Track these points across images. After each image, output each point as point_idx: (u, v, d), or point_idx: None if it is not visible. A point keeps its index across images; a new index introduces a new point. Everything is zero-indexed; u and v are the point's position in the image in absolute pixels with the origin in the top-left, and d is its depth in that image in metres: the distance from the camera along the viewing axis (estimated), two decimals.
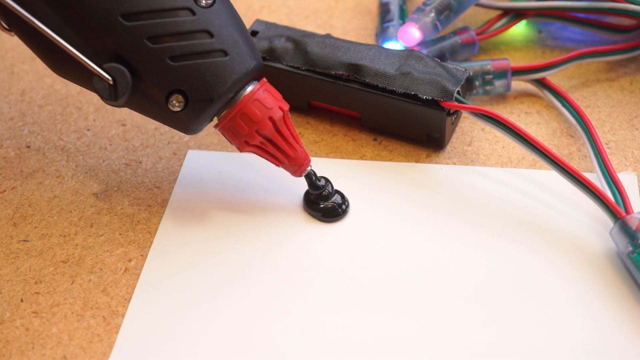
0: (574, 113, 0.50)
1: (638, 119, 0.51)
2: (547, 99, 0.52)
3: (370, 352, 0.40)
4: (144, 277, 0.44)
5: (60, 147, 0.51)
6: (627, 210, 0.43)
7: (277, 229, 0.46)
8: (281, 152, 0.44)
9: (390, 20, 0.55)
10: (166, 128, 0.51)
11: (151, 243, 0.45)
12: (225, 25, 0.42)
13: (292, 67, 0.50)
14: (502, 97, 0.53)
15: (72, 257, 0.45)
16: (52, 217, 0.47)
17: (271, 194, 0.47)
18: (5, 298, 0.43)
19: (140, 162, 0.50)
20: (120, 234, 0.46)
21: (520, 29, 0.57)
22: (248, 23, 0.54)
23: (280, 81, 0.48)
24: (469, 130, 0.51)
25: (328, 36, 0.51)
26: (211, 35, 0.42)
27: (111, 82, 0.41)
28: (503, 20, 0.55)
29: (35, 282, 0.44)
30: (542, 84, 0.52)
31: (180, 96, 0.42)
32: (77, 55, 0.41)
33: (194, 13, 0.41)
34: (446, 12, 0.53)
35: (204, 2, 0.42)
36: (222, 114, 0.43)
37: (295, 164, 0.45)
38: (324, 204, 0.46)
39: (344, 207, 0.46)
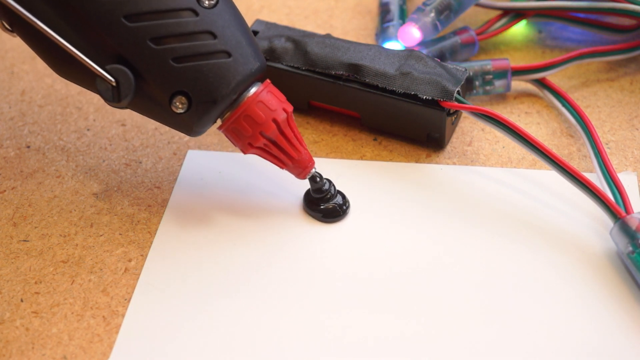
0: (574, 113, 0.50)
1: (638, 119, 0.51)
2: (547, 99, 0.52)
3: (370, 352, 0.40)
4: (144, 277, 0.44)
5: (60, 147, 0.51)
6: (627, 210, 0.43)
7: (277, 229, 0.46)
8: (285, 154, 0.44)
9: (390, 20, 0.55)
10: (166, 128, 0.51)
11: (151, 243, 0.45)
12: (229, 26, 0.42)
13: (292, 67, 0.50)
14: (502, 97, 0.53)
15: (72, 257, 0.45)
16: (52, 217, 0.47)
17: (271, 194, 0.47)
18: (5, 298, 0.43)
19: (140, 162, 0.50)
20: (120, 234, 0.46)
21: (520, 29, 0.57)
22: (248, 23, 0.54)
23: (280, 81, 0.48)
24: (469, 130, 0.51)
25: (328, 36, 0.51)
26: (214, 36, 0.41)
27: (114, 84, 0.41)
28: (503, 20, 0.55)
29: (35, 282, 0.44)
30: (542, 84, 0.52)
31: (183, 98, 0.41)
32: (79, 57, 0.41)
33: (197, 14, 0.41)
34: (446, 12, 0.53)
35: (206, 2, 0.42)
36: (225, 116, 0.43)
37: (299, 166, 0.44)
38: (324, 205, 0.46)
39: (344, 207, 0.46)
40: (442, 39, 0.54)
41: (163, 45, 0.41)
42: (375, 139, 0.50)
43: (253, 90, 0.43)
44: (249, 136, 0.43)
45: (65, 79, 0.43)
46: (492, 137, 0.50)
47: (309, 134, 0.51)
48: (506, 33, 0.56)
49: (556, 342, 0.40)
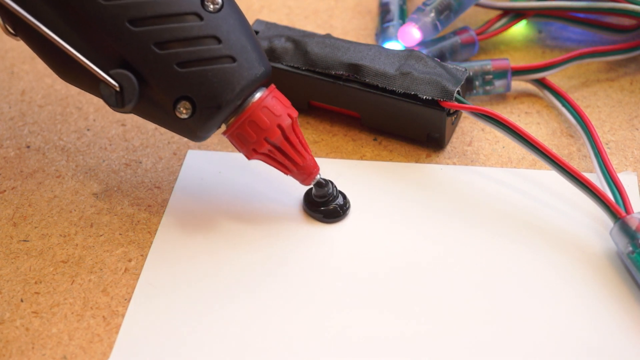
0: (574, 113, 0.50)
1: (638, 119, 0.51)
2: (547, 99, 0.52)
3: (370, 351, 0.40)
4: (144, 277, 0.44)
5: (60, 147, 0.51)
6: (627, 210, 0.43)
7: (276, 229, 0.46)
8: (290, 160, 0.44)
9: (390, 20, 0.55)
10: None
11: (151, 243, 0.45)
12: (234, 30, 0.42)
13: (292, 67, 0.50)
14: (502, 97, 0.53)
15: (72, 257, 0.45)
16: (52, 217, 0.47)
17: (271, 194, 0.47)
18: (5, 298, 0.43)
19: (140, 162, 0.50)
20: (120, 234, 0.46)
21: (520, 29, 0.57)
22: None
23: (280, 81, 0.48)
24: (469, 130, 0.51)
25: (328, 36, 0.51)
26: (219, 41, 0.41)
27: (118, 89, 0.41)
28: (503, 20, 0.55)
29: (35, 282, 0.44)
30: (542, 84, 0.52)
31: (187, 103, 0.41)
32: (83, 61, 0.41)
33: (201, 18, 0.41)
34: (446, 12, 0.53)
35: (211, 7, 0.41)
36: (230, 121, 0.43)
37: (304, 172, 0.44)
38: (325, 206, 0.46)
39: (345, 208, 0.46)
40: (442, 39, 0.54)
41: (167, 49, 0.41)
42: (375, 139, 0.50)
43: (258, 95, 0.43)
44: (253, 142, 0.43)
45: (69, 83, 0.43)
46: (492, 137, 0.50)
47: (309, 134, 0.51)
48: (506, 33, 0.56)
49: (556, 342, 0.40)
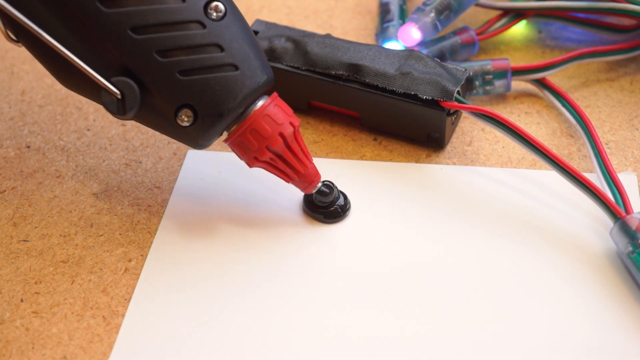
0: (574, 113, 0.50)
1: (638, 119, 0.51)
2: (547, 99, 0.52)
3: (370, 351, 0.40)
4: (144, 277, 0.44)
5: (60, 147, 0.51)
6: (627, 210, 0.43)
7: (277, 228, 0.46)
8: (291, 168, 0.44)
9: (390, 20, 0.55)
10: None
11: (151, 243, 0.45)
12: (236, 38, 0.41)
13: (292, 67, 0.50)
14: (502, 97, 0.53)
15: (72, 257, 0.45)
16: (52, 217, 0.47)
17: (271, 194, 0.47)
18: (5, 298, 0.43)
19: (140, 162, 0.50)
20: (120, 234, 0.46)
21: (520, 29, 0.57)
22: (248, 23, 0.54)
23: (280, 81, 0.48)
24: (469, 130, 0.51)
25: (328, 36, 0.51)
26: (222, 49, 0.41)
27: (119, 96, 0.40)
28: (503, 20, 0.55)
29: (35, 282, 0.44)
30: (542, 84, 0.52)
31: (189, 111, 0.41)
32: (85, 69, 0.40)
33: (204, 26, 0.41)
34: (446, 12, 0.53)
35: (214, 15, 0.41)
36: (231, 129, 0.43)
37: (305, 180, 0.44)
38: (326, 208, 0.46)
39: (346, 208, 0.46)
40: (442, 39, 0.54)
41: (169, 57, 0.40)
42: (375, 139, 0.50)
43: (260, 103, 0.42)
44: (254, 150, 0.43)
45: (70, 90, 0.43)
46: (492, 137, 0.50)
47: (309, 134, 0.51)
48: (506, 33, 0.56)
49: (556, 342, 0.40)
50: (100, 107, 0.53)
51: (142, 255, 0.45)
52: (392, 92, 0.48)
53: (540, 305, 0.42)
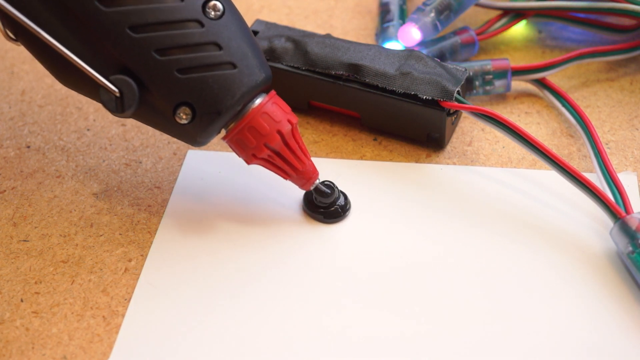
0: (574, 113, 0.50)
1: (638, 119, 0.51)
2: (547, 99, 0.52)
3: (370, 351, 0.40)
4: (144, 277, 0.44)
5: (60, 147, 0.51)
6: (627, 210, 0.43)
7: (276, 228, 0.46)
8: (289, 165, 0.44)
9: (390, 20, 0.55)
10: None
11: (151, 243, 0.45)
12: (234, 37, 0.42)
13: (292, 67, 0.50)
14: (502, 97, 0.53)
15: (72, 257, 0.45)
16: (52, 217, 0.47)
17: (271, 194, 0.47)
18: (5, 298, 0.43)
19: (140, 162, 0.50)
20: (120, 234, 0.46)
21: (520, 29, 0.57)
22: (248, 23, 0.54)
23: (280, 81, 0.48)
24: (469, 130, 0.51)
25: (328, 36, 0.51)
26: (220, 47, 0.41)
27: (118, 94, 0.41)
28: (503, 20, 0.55)
29: (35, 282, 0.44)
30: (542, 84, 0.52)
31: (187, 109, 0.41)
32: (83, 67, 0.41)
33: (202, 25, 0.41)
34: (446, 12, 0.53)
35: (212, 14, 0.41)
36: (230, 127, 0.43)
37: (303, 177, 0.44)
38: (326, 208, 0.46)
39: (346, 208, 0.46)
40: (442, 39, 0.54)
41: (168, 56, 0.41)
42: (375, 139, 0.50)
43: (258, 101, 0.43)
44: (252, 147, 0.43)
45: (69, 88, 0.43)
46: (492, 137, 0.50)
47: (309, 134, 0.51)
48: (506, 33, 0.56)
49: (556, 342, 0.40)
50: (101, 107, 0.53)
51: (142, 255, 0.45)
52: (392, 92, 0.48)
53: (540, 305, 0.42)
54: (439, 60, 0.49)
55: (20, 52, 0.57)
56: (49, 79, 0.55)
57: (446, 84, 0.47)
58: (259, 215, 0.46)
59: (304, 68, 0.49)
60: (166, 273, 0.44)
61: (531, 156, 0.49)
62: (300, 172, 0.44)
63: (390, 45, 0.53)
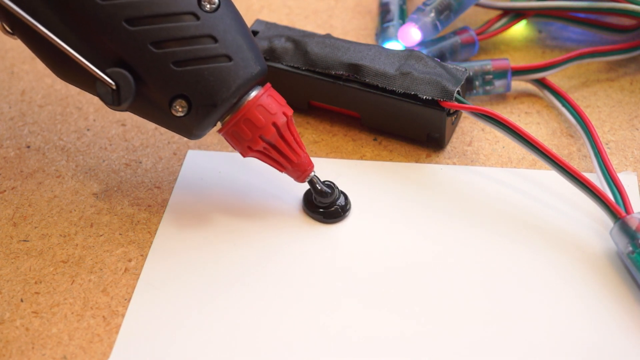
0: (574, 113, 0.50)
1: (638, 119, 0.51)
2: (547, 99, 0.52)
3: (370, 351, 0.40)
4: (144, 277, 0.44)
5: (60, 147, 0.51)
6: (627, 210, 0.43)
7: (276, 229, 0.46)
8: (284, 157, 0.44)
9: (390, 20, 0.55)
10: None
11: (151, 243, 0.45)
12: (230, 30, 0.42)
13: (292, 67, 0.50)
14: (502, 97, 0.53)
15: (72, 257, 0.45)
16: (52, 217, 0.47)
17: (271, 194, 0.47)
18: (5, 298, 0.43)
19: (140, 162, 0.50)
20: (120, 234, 0.46)
21: (520, 29, 0.57)
22: (248, 23, 0.54)
23: (280, 81, 0.48)
24: (469, 130, 0.51)
25: (328, 36, 0.51)
26: (215, 40, 0.41)
27: (114, 87, 0.41)
28: (503, 20, 0.55)
29: (35, 282, 0.44)
30: (542, 84, 0.52)
31: (183, 101, 0.41)
32: (80, 60, 0.41)
33: (198, 18, 0.41)
34: (446, 12, 0.53)
35: (208, 6, 0.41)
36: (225, 119, 0.43)
37: (298, 169, 0.44)
38: (326, 208, 0.46)
39: (346, 208, 0.46)
40: (442, 39, 0.54)
41: (164, 49, 0.41)
42: (375, 139, 0.50)
43: (253, 94, 0.43)
44: (248, 140, 0.43)
45: (66, 81, 0.43)
46: (492, 137, 0.50)
47: (309, 134, 0.51)
48: (506, 33, 0.56)
49: (556, 342, 0.40)
50: (101, 107, 0.53)
51: (142, 255, 0.45)
52: (392, 92, 0.48)
53: (540, 305, 0.42)
54: (439, 60, 0.49)
55: (21, 52, 0.57)
56: (49, 79, 0.55)
57: (446, 84, 0.47)
58: (258, 216, 0.46)
59: (304, 68, 0.49)
60: (166, 273, 0.44)
61: (531, 156, 0.49)
62: (296, 165, 0.44)
63: (390, 45, 0.53)
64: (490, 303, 0.42)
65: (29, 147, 0.51)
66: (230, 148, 0.50)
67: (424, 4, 0.53)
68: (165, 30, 0.41)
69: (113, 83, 0.41)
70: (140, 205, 0.47)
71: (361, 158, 0.49)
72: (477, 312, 0.41)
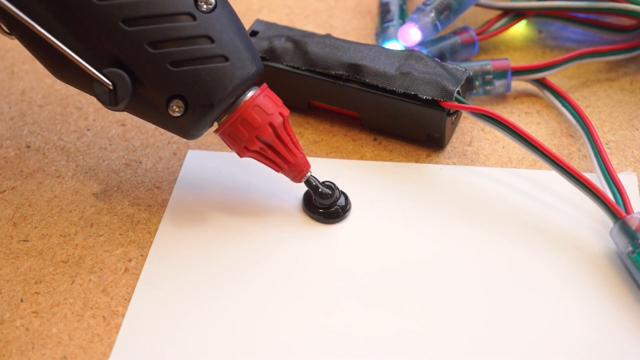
0: (574, 113, 0.50)
1: (638, 119, 0.51)
2: (547, 99, 0.52)
3: (370, 351, 0.40)
4: (144, 277, 0.44)
5: (60, 147, 0.51)
6: (627, 210, 0.43)
7: (277, 229, 0.46)
8: (281, 157, 0.44)
9: (390, 20, 0.55)
10: None
11: (151, 243, 0.45)
12: (226, 30, 0.42)
13: (292, 67, 0.50)
14: (502, 97, 0.53)
15: (72, 257, 0.45)
16: (52, 217, 0.47)
17: (271, 194, 0.47)
18: (5, 298, 0.43)
19: (140, 162, 0.50)
20: (120, 234, 0.46)
21: (520, 29, 0.57)
22: (248, 23, 0.54)
23: (280, 81, 0.48)
24: (469, 130, 0.51)
25: (328, 36, 0.51)
26: (212, 40, 0.41)
27: (111, 87, 0.41)
28: (503, 20, 0.55)
29: (35, 282, 0.44)
30: (542, 84, 0.52)
31: (180, 101, 0.42)
32: (77, 60, 0.41)
33: (194, 18, 0.41)
34: (446, 12, 0.53)
35: (205, 7, 0.42)
36: (222, 119, 0.43)
37: (295, 169, 0.44)
38: (326, 209, 0.46)
39: (347, 208, 0.46)
40: (442, 39, 0.54)
41: (160, 49, 0.41)
42: (375, 139, 0.50)
43: (250, 94, 0.43)
44: (245, 140, 0.43)
45: (63, 81, 0.43)
46: (492, 137, 0.50)
47: (309, 134, 0.51)
48: (506, 33, 0.56)
49: (556, 342, 0.40)
50: (101, 107, 0.53)
51: (142, 255, 0.45)
52: (392, 92, 0.48)
53: (540, 305, 0.42)
54: (439, 60, 0.49)
55: (21, 52, 0.57)
56: (49, 79, 0.55)
57: (446, 84, 0.47)
58: (259, 215, 0.46)
59: (304, 68, 0.49)
60: (166, 273, 0.44)
61: (531, 156, 0.49)
62: (292, 165, 0.44)
63: (390, 45, 0.53)
64: (490, 303, 0.42)
65: (29, 147, 0.51)
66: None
67: (424, 4, 0.53)
68: (162, 31, 0.41)
69: (110, 83, 0.41)
70: (140, 205, 0.47)
71: (361, 158, 0.49)
72: (477, 312, 0.41)
